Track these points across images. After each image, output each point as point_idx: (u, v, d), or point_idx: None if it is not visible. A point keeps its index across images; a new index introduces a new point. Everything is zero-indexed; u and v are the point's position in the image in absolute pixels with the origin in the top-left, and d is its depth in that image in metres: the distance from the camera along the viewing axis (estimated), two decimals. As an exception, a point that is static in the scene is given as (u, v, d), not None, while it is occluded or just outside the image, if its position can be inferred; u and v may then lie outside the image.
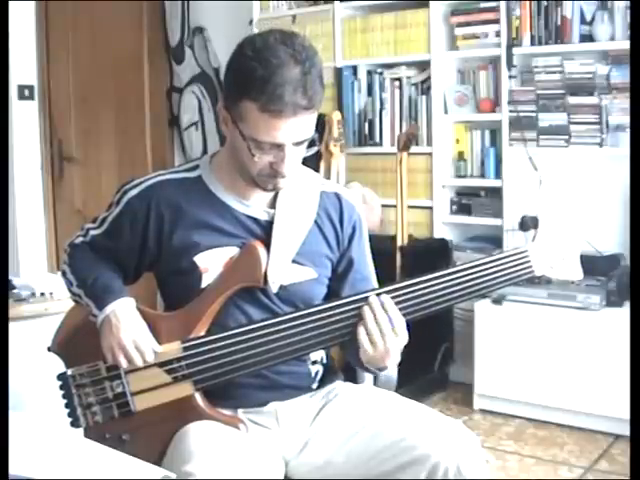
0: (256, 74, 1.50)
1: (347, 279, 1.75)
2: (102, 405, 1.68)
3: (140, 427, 1.66)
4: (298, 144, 1.57)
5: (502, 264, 1.61)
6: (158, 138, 4.72)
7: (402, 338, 1.56)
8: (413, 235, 3.77)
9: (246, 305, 1.66)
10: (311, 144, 1.62)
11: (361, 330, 1.55)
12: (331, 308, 1.59)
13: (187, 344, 1.62)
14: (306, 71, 1.51)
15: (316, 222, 1.71)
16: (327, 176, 3.72)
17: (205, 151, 4.48)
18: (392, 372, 2.02)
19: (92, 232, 1.74)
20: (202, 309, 1.63)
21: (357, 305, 1.58)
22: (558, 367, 3.25)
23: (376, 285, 1.76)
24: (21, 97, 4.59)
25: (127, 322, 1.63)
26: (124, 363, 1.62)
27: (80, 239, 1.76)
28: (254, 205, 1.68)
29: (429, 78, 3.81)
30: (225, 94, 1.60)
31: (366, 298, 1.57)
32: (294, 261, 1.67)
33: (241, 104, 1.53)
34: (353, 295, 1.61)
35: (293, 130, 1.53)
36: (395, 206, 3.69)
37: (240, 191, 1.68)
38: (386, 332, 1.54)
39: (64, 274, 1.75)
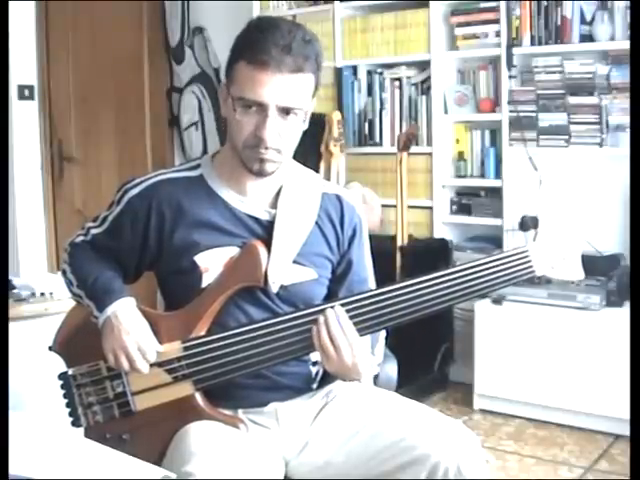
0: (251, 37, 1.56)
1: (345, 281, 1.74)
2: (103, 405, 1.68)
3: (140, 427, 1.66)
4: (284, 111, 1.56)
5: (502, 264, 1.61)
6: (158, 138, 4.72)
7: (359, 352, 1.56)
8: (413, 235, 3.77)
9: (246, 305, 1.65)
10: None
11: (316, 343, 1.56)
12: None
13: (187, 344, 1.62)
14: (298, 39, 1.55)
15: (317, 223, 1.71)
16: (327, 176, 3.72)
17: (205, 151, 4.48)
18: (392, 372, 2.02)
19: (93, 231, 1.74)
20: (202, 309, 1.63)
21: (359, 304, 1.58)
22: (558, 367, 3.25)
23: (374, 286, 1.76)
24: (21, 97, 4.59)
25: (128, 323, 1.62)
26: (126, 366, 1.62)
27: (81, 238, 1.76)
28: (254, 203, 1.68)
29: (429, 78, 3.81)
30: (225, 69, 1.62)
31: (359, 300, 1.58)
32: (295, 261, 1.66)
33: (234, 67, 1.58)
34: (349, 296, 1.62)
35: (277, 89, 1.53)
36: (395, 206, 3.69)
37: (238, 186, 1.67)
38: (342, 346, 1.54)
39: (64, 273, 1.75)
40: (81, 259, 1.73)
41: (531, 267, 1.62)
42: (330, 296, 1.72)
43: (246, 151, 1.60)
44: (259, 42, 1.53)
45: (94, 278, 1.68)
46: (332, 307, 1.57)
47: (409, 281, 1.58)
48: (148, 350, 1.61)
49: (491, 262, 1.60)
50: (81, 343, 1.71)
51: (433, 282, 1.58)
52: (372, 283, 1.79)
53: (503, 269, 1.61)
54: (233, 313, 1.65)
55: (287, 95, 1.55)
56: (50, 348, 1.76)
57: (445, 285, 1.57)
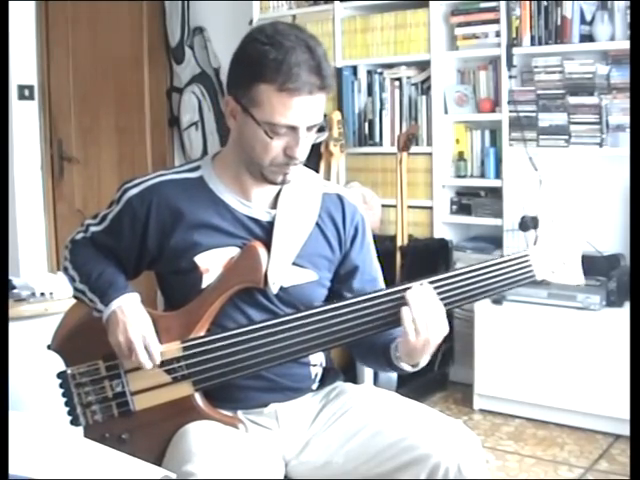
0: (270, 56, 1.51)
1: (353, 281, 1.73)
2: (102, 404, 1.68)
3: (140, 427, 1.66)
4: (310, 129, 1.57)
5: (503, 269, 1.60)
6: (158, 138, 4.72)
7: (444, 329, 1.55)
8: (413, 235, 3.77)
9: (246, 306, 1.65)
10: (319, 129, 1.63)
11: (407, 316, 1.53)
12: (333, 309, 1.58)
13: (187, 344, 1.62)
14: (318, 54, 1.54)
15: (318, 224, 1.70)
16: (327, 176, 3.72)
17: (205, 151, 4.48)
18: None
19: (92, 229, 1.73)
20: (202, 309, 1.63)
21: (360, 306, 1.57)
22: (558, 367, 3.25)
23: (384, 286, 1.74)
24: (21, 97, 4.60)
25: (134, 318, 1.62)
26: (141, 358, 1.60)
27: (81, 235, 1.75)
28: (255, 206, 1.67)
29: (429, 78, 3.81)
30: (234, 84, 1.59)
31: (365, 300, 1.57)
32: (295, 263, 1.66)
33: (255, 88, 1.53)
34: (356, 296, 1.61)
35: (308, 111, 1.54)
36: (395, 206, 3.69)
37: (242, 190, 1.67)
38: (432, 320, 1.52)
39: (66, 270, 1.74)
40: (83, 255, 1.73)
41: (531, 272, 1.62)
42: (333, 297, 1.71)
43: (272, 167, 1.60)
44: (283, 64, 1.50)
45: (99, 273, 1.67)
46: (343, 305, 1.56)
47: (408, 284, 1.57)
48: (153, 346, 1.61)
49: (491, 267, 1.60)
50: (80, 342, 1.71)
51: (433, 286, 1.56)
52: (381, 282, 1.78)
53: (503, 274, 1.60)
54: (232, 314, 1.65)
55: (315, 114, 1.56)
56: (49, 347, 1.75)
57: (445, 289, 1.57)
